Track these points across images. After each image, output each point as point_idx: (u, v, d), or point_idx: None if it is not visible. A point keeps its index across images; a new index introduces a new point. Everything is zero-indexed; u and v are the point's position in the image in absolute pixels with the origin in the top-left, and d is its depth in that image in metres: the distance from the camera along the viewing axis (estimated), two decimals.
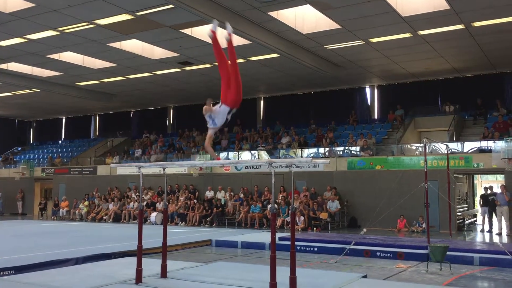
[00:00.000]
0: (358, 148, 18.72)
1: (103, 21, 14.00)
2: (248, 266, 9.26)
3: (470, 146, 16.99)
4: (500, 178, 21.59)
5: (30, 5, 12.86)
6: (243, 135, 23.46)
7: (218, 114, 6.32)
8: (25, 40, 15.74)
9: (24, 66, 19.35)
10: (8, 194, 26.24)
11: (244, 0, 12.39)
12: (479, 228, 17.05)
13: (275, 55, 16.67)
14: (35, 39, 15.58)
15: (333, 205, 16.88)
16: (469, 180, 19.73)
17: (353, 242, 10.77)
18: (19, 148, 32.67)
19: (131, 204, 20.90)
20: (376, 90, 22.87)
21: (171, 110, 28.71)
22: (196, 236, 13.93)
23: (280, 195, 17.84)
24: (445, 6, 12.61)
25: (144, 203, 19.58)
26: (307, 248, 11.22)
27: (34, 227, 18.24)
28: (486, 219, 16.25)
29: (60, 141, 32.54)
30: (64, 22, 14.09)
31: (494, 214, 15.93)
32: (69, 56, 17.92)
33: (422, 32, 14.69)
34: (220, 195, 19.82)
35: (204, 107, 6.33)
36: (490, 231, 15.88)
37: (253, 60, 17.82)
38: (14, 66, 19.32)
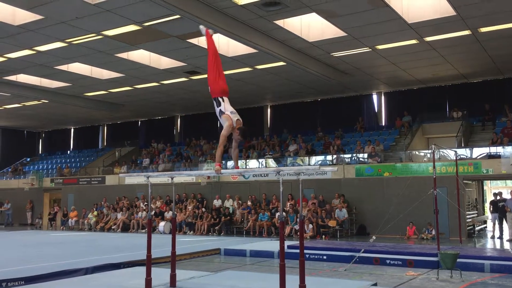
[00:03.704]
0: (366, 155, 18.67)
1: (110, 32, 14.13)
2: (257, 274, 9.24)
3: (478, 152, 16.90)
4: (510, 183, 21.47)
5: (38, 17, 13.01)
6: (251, 143, 23.46)
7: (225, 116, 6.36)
8: (34, 52, 15.91)
9: (32, 77, 19.54)
10: (18, 204, 26.37)
11: (250, 9, 12.46)
12: (489, 234, 16.93)
13: (282, 63, 16.71)
14: (43, 50, 15.74)
15: (341, 214, 16.82)
16: (479, 186, 19.59)
17: (362, 249, 10.71)
18: (28, 159, 32.90)
19: (140, 213, 20.95)
20: (383, 97, 22.84)
21: (178, 119, 28.81)
22: (205, 245, 13.91)
23: (288, 203, 17.80)
24: (451, 12, 12.60)
25: (153, 213, 19.62)
26: (316, 256, 11.17)
27: (44, 238, 18.30)
28: (497, 226, 16.13)
29: (68, 152, 32.75)
30: (72, 34, 14.23)
31: (504, 220, 15.81)
32: (77, 67, 18.08)
33: (428, 39, 14.68)
34: (228, 203, 19.82)
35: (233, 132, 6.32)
36: (500, 237, 15.76)
37: (260, 69, 17.88)
38: (23, 78, 19.51)
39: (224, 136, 6.19)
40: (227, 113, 6.29)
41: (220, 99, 6.39)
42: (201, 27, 7.15)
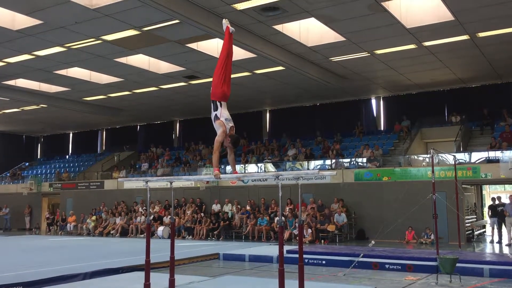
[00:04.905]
0: (364, 160, 18.67)
1: (109, 37, 14.15)
2: (256, 279, 9.22)
3: (477, 156, 16.92)
4: (509, 188, 21.47)
5: (37, 22, 13.03)
6: (249, 148, 23.47)
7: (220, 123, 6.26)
8: (33, 57, 15.92)
9: (32, 82, 19.55)
10: (16, 209, 26.29)
11: (249, 14, 12.49)
12: (488, 239, 16.93)
13: (281, 68, 16.74)
14: (42, 55, 15.76)
15: (340, 219, 16.80)
16: (477, 190, 19.61)
17: (362, 254, 10.70)
18: (27, 164, 32.84)
19: (138, 218, 20.91)
20: (382, 101, 22.86)
21: (177, 124, 28.81)
22: (204, 249, 13.89)
23: (287, 208, 17.78)
24: (449, 17, 12.65)
25: (151, 217, 19.58)
26: (315, 261, 11.15)
27: (42, 242, 18.26)
28: (495, 230, 16.13)
29: (67, 156, 32.70)
30: (72, 39, 14.26)
31: (503, 224, 15.81)
32: (76, 72, 18.09)
33: (427, 43, 14.72)
34: (227, 208, 19.79)
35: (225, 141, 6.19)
36: (499, 242, 15.76)
37: (259, 73, 17.91)
38: (22, 82, 19.52)
39: (218, 142, 6.13)
40: (221, 119, 6.24)
41: (218, 104, 6.31)
42: (225, 21, 6.73)
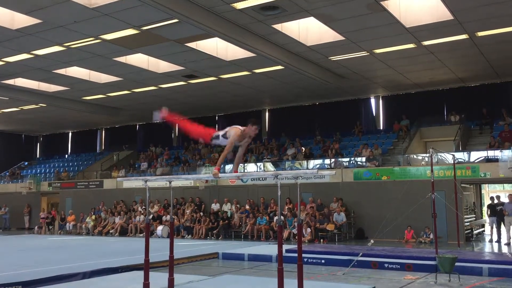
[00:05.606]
0: (364, 159, 18.67)
1: (108, 36, 14.14)
2: (255, 279, 9.22)
3: (476, 155, 16.92)
4: (508, 187, 21.49)
5: (36, 21, 13.02)
6: (249, 147, 23.46)
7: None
8: (32, 56, 15.91)
9: (31, 81, 19.53)
10: (15, 208, 26.28)
11: (248, 14, 12.49)
12: (487, 238, 16.93)
13: (280, 67, 16.74)
14: (41, 54, 15.74)
15: (339, 218, 16.81)
16: (477, 189, 19.62)
17: (361, 253, 10.70)
18: (26, 163, 32.82)
19: (137, 217, 20.90)
20: (381, 101, 22.86)
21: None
22: (203, 249, 13.89)
23: (286, 207, 17.79)
24: (448, 16, 12.65)
25: (151, 217, 19.58)
26: (314, 260, 11.15)
27: (41, 242, 18.25)
28: (494, 229, 16.15)
29: (66, 155, 32.67)
30: (71, 38, 14.25)
31: (502, 224, 15.82)
32: (75, 71, 18.07)
33: (426, 43, 14.72)
34: (226, 207, 19.80)
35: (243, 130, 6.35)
36: (498, 241, 15.78)
37: (258, 73, 17.90)
38: (21, 82, 19.50)
39: (231, 143, 6.25)
40: (227, 128, 6.40)
41: (216, 134, 6.56)
42: (155, 115, 7.28)
